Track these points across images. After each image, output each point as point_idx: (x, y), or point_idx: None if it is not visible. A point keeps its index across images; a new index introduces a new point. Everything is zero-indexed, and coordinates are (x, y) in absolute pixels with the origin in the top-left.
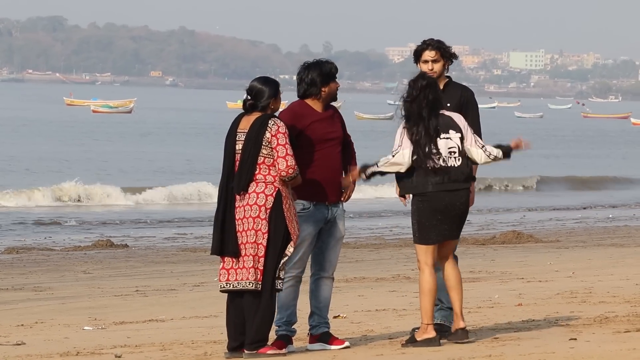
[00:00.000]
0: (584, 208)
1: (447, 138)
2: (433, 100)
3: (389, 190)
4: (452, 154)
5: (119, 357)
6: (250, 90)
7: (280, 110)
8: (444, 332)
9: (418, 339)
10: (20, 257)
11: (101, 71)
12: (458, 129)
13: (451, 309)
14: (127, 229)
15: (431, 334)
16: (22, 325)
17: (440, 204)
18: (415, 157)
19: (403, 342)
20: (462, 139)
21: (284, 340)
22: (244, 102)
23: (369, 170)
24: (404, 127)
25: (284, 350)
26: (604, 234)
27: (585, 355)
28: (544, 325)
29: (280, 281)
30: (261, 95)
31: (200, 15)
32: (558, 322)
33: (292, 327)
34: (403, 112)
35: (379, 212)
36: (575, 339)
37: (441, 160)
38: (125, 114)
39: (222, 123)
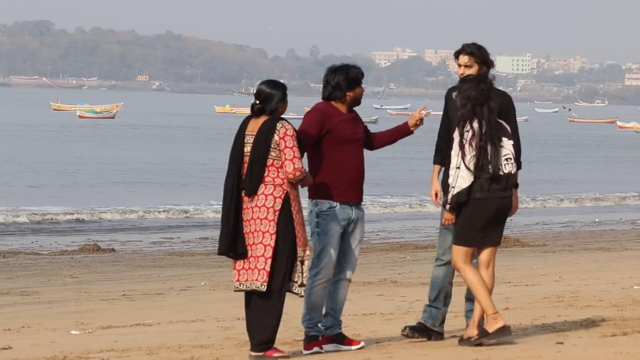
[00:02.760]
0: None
1: (502, 146)
2: (494, 106)
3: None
4: (508, 160)
5: None
6: (258, 94)
7: (307, 110)
8: (424, 331)
9: (490, 331)
10: (7, 261)
11: (88, 75)
12: (510, 136)
13: (438, 309)
14: (114, 233)
15: (501, 322)
16: (9, 329)
17: (492, 209)
18: (478, 163)
19: (475, 338)
20: (514, 146)
21: (315, 340)
22: (252, 105)
23: (451, 200)
24: (466, 131)
25: (287, 353)
26: (591, 238)
27: (572, 359)
28: (530, 329)
29: (302, 288)
30: (270, 99)
31: (187, 20)
32: (545, 326)
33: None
34: (465, 113)
35: (366, 216)
36: (562, 342)
37: (499, 167)
38: (108, 119)
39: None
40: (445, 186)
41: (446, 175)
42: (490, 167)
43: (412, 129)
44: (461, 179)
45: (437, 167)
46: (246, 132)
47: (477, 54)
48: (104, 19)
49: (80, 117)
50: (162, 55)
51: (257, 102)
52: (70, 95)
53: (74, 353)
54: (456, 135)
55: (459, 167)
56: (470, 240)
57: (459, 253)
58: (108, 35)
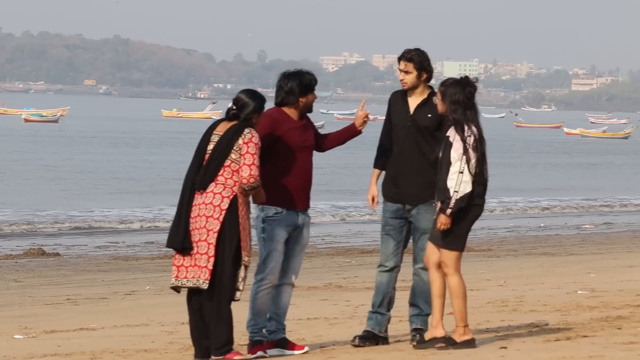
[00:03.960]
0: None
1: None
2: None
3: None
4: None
5: None
6: (236, 101)
7: None
8: (372, 339)
9: (459, 341)
10: None
11: (35, 80)
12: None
13: (383, 315)
14: (59, 237)
15: (470, 335)
16: None
17: (478, 215)
18: (478, 169)
19: (440, 345)
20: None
21: (260, 345)
22: (228, 110)
23: (453, 205)
24: (468, 136)
25: (250, 355)
26: (536, 242)
27: None
28: (474, 333)
29: (239, 292)
30: (246, 108)
31: (135, 24)
32: (489, 331)
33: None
34: (458, 117)
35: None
36: (506, 347)
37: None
38: (52, 122)
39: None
40: (443, 191)
41: (441, 180)
42: (486, 172)
43: (359, 128)
44: (465, 183)
45: (377, 171)
46: (214, 132)
47: (416, 59)
48: (52, 23)
49: (27, 120)
50: (110, 59)
51: (234, 107)
52: (17, 100)
53: (18, 358)
54: (457, 140)
55: (462, 172)
56: (464, 245)
57: (454, 258)
58: (55, 39)
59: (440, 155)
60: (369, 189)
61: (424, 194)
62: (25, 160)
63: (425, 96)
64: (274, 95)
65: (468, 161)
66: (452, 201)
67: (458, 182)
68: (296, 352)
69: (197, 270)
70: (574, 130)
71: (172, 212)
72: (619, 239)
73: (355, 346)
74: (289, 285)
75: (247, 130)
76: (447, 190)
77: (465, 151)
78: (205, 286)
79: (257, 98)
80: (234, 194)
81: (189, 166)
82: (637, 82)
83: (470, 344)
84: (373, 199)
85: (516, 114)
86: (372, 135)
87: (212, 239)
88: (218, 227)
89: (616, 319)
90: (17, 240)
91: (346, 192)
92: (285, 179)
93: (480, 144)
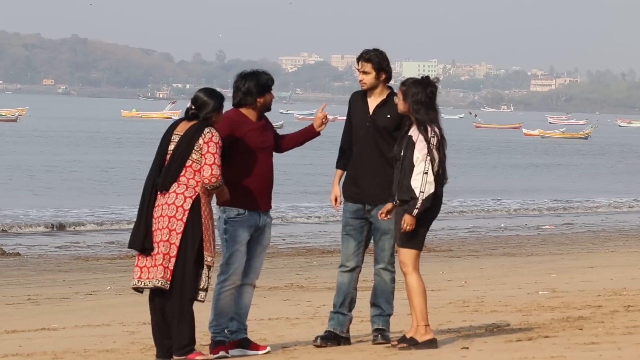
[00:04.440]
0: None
1: None
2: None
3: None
4: None
5: None
6: (195, 100)
7: None
8: (334, 339)
9: (420, 341)
10: None
11: None
12: None
13: (345, 315)
14: (19, 237)
15: (431, 335)
16: None
17: (436, 215)
18: (441, 170)
19: (401, 346)
20: None
21: (222, 345)
22: (187, 110)
23: (419, 206)
24: (432, 136)
25: (212, 356)
26: (496, 243)
27: None
28: (436, 334)
29: (204, 293)
30: (205, 107)
31: (93, 24)
32: (450, 331)
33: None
34: (421, 118)
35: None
36: (468, 347)
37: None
38: (11, 122)
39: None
40: (406, 191)
41: (404, 180)
42: (446, 173)
43: (318, 129)
44: (429, 184)
45: (339, 171)
46: (174, 132)
47: (374, 60)
48: (9, 23)
49: None
50: (68, 59)
51: (193, 107)
52: None
53: None
54: (421, 140)
55: (426, 173)
56: (422, 244)
57: (413, 257)
58: (13, 38)
59: (401, 154)
60: (331, 189)
61: (383, 194)
62: None
63: (384, 96)
64: (232, 96)
65: (432, 162)
66: (419, 202)
67: (423, 183)
68: (259, 352)
69: (155, 270)
70: (533, 132)
71: (132, 212)
72: (579, 239)
73: (317, 346)
74: (250, 286)
75: (207, 129)
76: (412, 190)
77: (430, 151)
78: (166, 286)
79: (216, 96)
80: (197, 194)
81: (150, 167)
82: (595, 83)
83: (432, 343)
84: (336, 200)
85: (475, 115)
86: (332, 135)
87: (175, 239)
88: (182, 228)
89: (577, 320)
90: None
91: (307, 192)
92: (246, 180)
93: (442, 145)
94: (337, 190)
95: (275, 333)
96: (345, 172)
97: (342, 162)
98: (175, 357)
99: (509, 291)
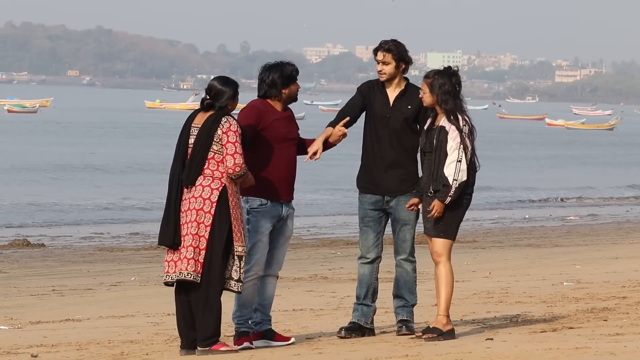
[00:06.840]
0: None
1: None
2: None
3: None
4: None
5: (35, 356)
6: (209, 90)
7: (242, 107)
8: (358, 330)
9: (445, 330)
10: None
11: (18, 70)
12: None
13: (369, 306)
14: (44, 228)
15: (450, 325)
16: None
17: (469, 204)
18: (472, 158)
19: (427, 336)
20: None
21: (246, 336)
22: (202, 100)
23: (452, 194)
24: (464, 125)
25: (236, 347)
26: (521, 234)
27: (501, 355)
28: (460, 325)
29: (240, 284)
30: (220, 96)
31: (118, 15)
32: (475, 322)
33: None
34: (450, 108)
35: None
36: (492, 339)
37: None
38: (31, 113)
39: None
40: (439, 179)
41: (437, 171)
42: (478, 162)
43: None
44: (462, 172)
45: (329, 129)
46: (192, 125)
47: (394, 50)
48: (34, 14)
49: (9, 111)
50: (93, 50)
51: (208, 97)
52: (0, 90)
53: (3, 348)
54: (453, 129)
55: (460, 161)
56: (456, 234)
57: (447, 247)
58: (38, 30)
59: (433, 146)
60: (315, 141)
61: (403, 185)
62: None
63: (402, 87)
64: (257, 88)
65: (466, 149)
66: (452, 189)
67: (457, 171)
68: (282, 343)
69: (186, 262)
70: (557, 122)
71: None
72: (604, 230)
73: (342, 337)
74: (273, 277)
75: (224, 119)
76: (446, 178)
77: (463, 140)
78: (197, 280)
79: (230, 84)
80: (223, 185)
81: (173, 161)
82: (621, 74)
83: (451, 334)
84: (315, 153)
85: (499, 106)
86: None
87: (204, 232)
88: (210, 221)
89: (602, 311)
90: (2, 230)
91: (330, 183)
92: (269, 170)
93: (472, 133)
94: (320, 144)
95: (299, 324)
96: (361, 163)
97: (335, 121)
98: (199, 348)
99: (533, 282)
